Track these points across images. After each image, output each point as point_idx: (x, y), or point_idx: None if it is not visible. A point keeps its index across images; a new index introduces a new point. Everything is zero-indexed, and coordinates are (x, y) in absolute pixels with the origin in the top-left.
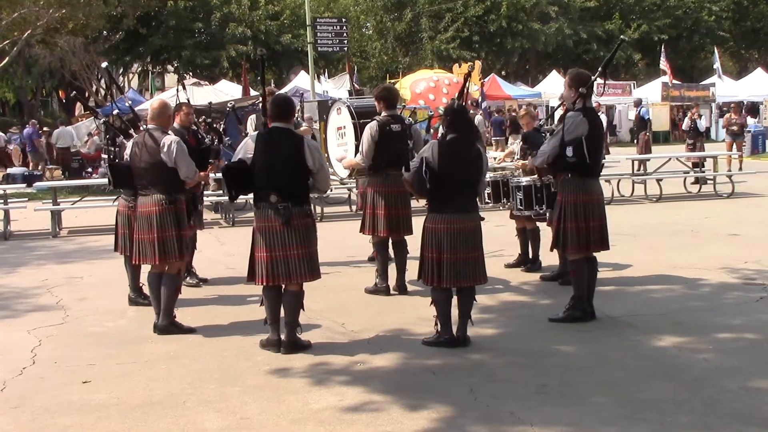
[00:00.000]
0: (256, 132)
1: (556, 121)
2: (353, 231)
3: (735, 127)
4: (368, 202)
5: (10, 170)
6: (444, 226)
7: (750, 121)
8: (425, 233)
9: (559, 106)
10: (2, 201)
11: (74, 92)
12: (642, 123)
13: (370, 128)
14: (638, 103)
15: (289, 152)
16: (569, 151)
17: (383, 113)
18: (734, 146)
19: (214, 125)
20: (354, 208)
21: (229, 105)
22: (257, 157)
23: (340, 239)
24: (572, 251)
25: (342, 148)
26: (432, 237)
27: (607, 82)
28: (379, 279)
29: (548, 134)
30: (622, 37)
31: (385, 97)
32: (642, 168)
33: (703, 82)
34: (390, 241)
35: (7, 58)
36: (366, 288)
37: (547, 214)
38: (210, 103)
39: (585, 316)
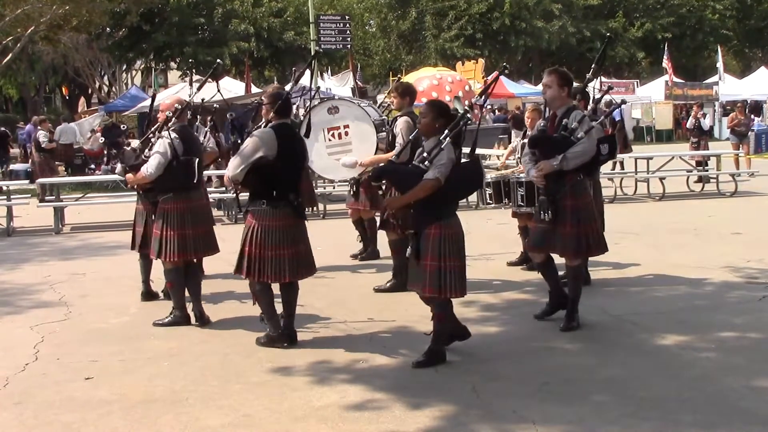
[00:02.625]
0: (266, 128)
1: (573, 121)
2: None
3: (741, 128)
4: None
5: (13, 166)
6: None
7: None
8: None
9: (598, 100)
10: (5, 197)
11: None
12: (613, 125)
13: (408, 123)
14: (609, 104)
15: (302, 149)
16: (604, 149)
17: (404, 108)
18: (740, 147)
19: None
20: None
21: (229, 116)
22: (282, 155)
23: (343, 236)
24: (589, 255)
25: (337, 149)
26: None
27: (597, 79)
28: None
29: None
30: (608, 34)
31: (413, 93)
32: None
33: (706, 81)
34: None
35: (10, 55)
36: (377, 287)
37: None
38: (203, 99)
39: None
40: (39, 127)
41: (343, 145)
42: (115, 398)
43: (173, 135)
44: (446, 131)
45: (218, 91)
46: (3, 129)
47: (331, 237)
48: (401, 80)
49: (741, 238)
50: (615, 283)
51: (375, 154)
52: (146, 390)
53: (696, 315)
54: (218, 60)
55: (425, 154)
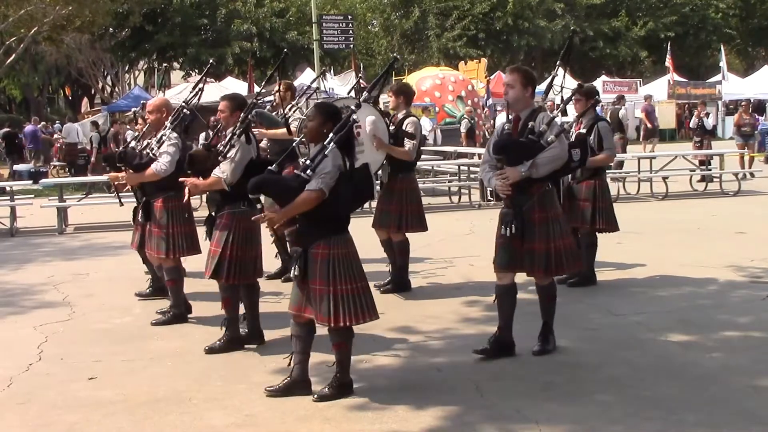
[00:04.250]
0: (240, 133)
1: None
2: (360, 227)
3: (746, 128)
4: (416, 198)
5: (16, 167)
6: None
7: None
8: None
9: (568, 99)
10: (8, 198)
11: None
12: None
13: (416, 124)
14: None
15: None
16: (576, 154)
17: (400, 108)
18: (746, 148)
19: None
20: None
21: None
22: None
23: None
24: (566, 271)
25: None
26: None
27: (565, 76)
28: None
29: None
30: (573, 28)
31: (408, 93)
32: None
33: (709, 80)
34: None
35: (13, 55)
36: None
37: None
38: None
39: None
40: (128, 127)
41: (356, 146)
42: (118, 398)
43: (173, 135)
44: (331, 135)
45: (201, 89)
46: (9, 129)
47: None
48: (399, 80)
49: (745, 238)
50: (619, 283)
51: (382, 154)
52: (150, 390)
53: (700, 314)
54: (211, 61)
55: (308, 162)
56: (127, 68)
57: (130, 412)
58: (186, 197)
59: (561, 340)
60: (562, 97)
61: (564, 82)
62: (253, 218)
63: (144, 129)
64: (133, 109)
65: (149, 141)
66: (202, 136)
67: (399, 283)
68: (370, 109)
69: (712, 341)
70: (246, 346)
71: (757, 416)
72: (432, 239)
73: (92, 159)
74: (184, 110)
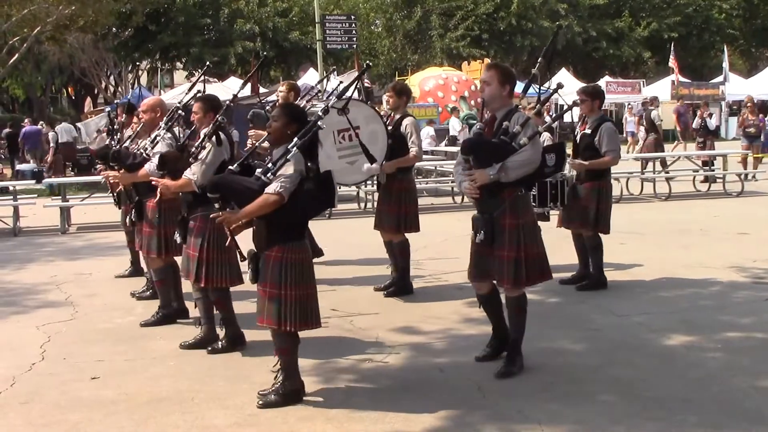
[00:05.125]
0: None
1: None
2: (361, 228)
3: (752, 129)
4: (413, 199)
5: (19, 167)
6: None
7: None
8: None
9: (545, 99)
10: (12, 197)
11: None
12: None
13: (415, 124)
14: (576, 104)
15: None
16: (550, 159)
17: (401, 108)
18: (751, 149)
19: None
20: (363, 205)
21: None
22: (232, 156)
23: (349, 236)
24: (529, 284)
25: (347, 152)
26: None
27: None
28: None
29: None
30: (558, 23)
31: (409, 93)
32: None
33: (712, 81)
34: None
35: (16, 55)
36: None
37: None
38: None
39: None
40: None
41: (353, 147)
42: (121, 398)
43: (167, 135)
44: (295, 139)
45: (200, 90)
46: (11, 129)
47: (336, 237)
48: (402, 80)
49: (747, 238)
50: (621, 284)
51: (381, 154)
52: (152, 390)
53: (702, 315)
54: (207, 63)
55: (270, 165)
56: (130, 68)
57: (132, 411)
58: (157, 198)
59: (563, 340)
60: (539, 96)
61: (549, 80)
62: (210, 216)
63: (138, 128)
64: (107, 109)
65: (144, 141)
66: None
67: (401, 287)
68: (367, 109)
69: (714, 342)
70: (248, 345)
71: (759, 416)
72: (434, 239)
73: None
74: (179, 111)
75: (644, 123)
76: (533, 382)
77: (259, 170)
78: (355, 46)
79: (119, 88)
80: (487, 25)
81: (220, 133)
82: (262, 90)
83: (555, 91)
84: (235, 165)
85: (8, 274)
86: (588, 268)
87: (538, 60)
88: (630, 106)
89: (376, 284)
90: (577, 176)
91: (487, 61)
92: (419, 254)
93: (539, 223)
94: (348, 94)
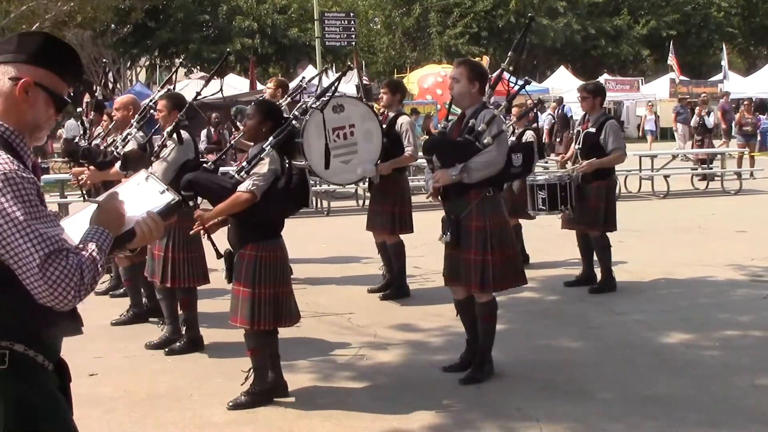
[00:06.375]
0: (173, 131)
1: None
2: (359, 225)
3: (748, 128)
4: (407, 199)
5: None
6: None
7: None
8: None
9: (512, 96)
10: None
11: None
12: (565, 121)
13: (410, 123)
14: (560, 102)
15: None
16: (517, 160)
17: (394, 106)
18: (747, 147)
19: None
20: (361, 202)
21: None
22: (197, 155)
23: (347, 234)
24: (498, 288)
25: (342, 150)
26: None
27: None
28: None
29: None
30: (530, 14)
31: (404, 90)
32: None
33: (711, 79)
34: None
35: None
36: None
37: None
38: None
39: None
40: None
41: (349, 146)
42: (119, 395)
43: (139, 134)
44: (270, 138)
45: (221, 89)
46: None
47: (334, 234)
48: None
49: (745, 237)
50: (620, 282)
51: (376, 153)
52: (150, 387)
53: (700, 313)
54: (228, 50)
55: (245, 164)
56: (128, 64)
57: (130, 408)
58: None
59: (562, 338)
60: (508, 91)
61: (518, 76)
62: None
63: (110, 126)
64: (78, 110)
65: (114, 139)
66: (203, 133)
67: (398, 289)
68: (363, 107)
69: (712, 340)
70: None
71: (758, 414)
72: (432, 236)
73: None
74: (152, 110)
75: (692, 124)
76: (532, 380)
77: (232, 168)
78: (354, 43)
79: (118, 85)
80: (485, 23)
81: (182, 131)
82: (260, 87)
83: (522, 87)
84: (210, 163)
85: None
86: (592, 269)
87: (508, 55)
88: (650, 104)
89: (374, 282)
90: (583, 176)
91: (486, 58)
92: (418, 251)
93: (523, 222)
94: (334, 93)
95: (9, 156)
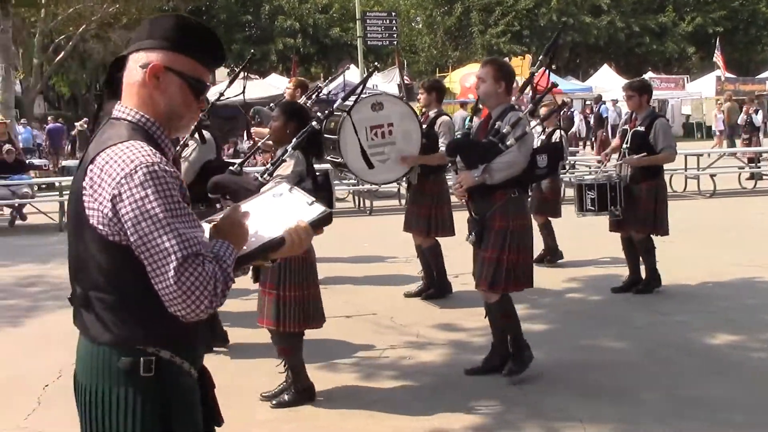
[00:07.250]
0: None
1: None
2: (402, 225)
3: None
4: (446, 200)
5: (64, 162)
6: None
7: None
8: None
9: (539, 99)
10: (58, 193)
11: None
12: (600, 121)
13: (449, 124)
14: (598, 100)
15: None
16: (542, 161)
17: (432, 105)
18: None
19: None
20: (403, 202)
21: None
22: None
23: (390, 233)
24: (507, 290)
25: (379, 149)
26: None
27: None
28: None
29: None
30: (560, 26)
31: (440, 89)
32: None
33: (759, 76)
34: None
35: (62, 53)
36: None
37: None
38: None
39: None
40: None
41: (386, 145)
42: None
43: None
44: (294, 140)
45: (243, 90)
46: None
47: (377, 234)
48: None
49: None
50: (664, 282)
51: (407, 152)
52: None
53: (747, 314)
54: (252, 51)
55: (269, 166)
56: None
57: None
58: None
59: (605, 338)
60: (533, 95)
61: (548, 80)
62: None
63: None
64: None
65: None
66: (245, 134)
67: (440, 288)
68: (403, 107)
69: (758, 341)
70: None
71: None
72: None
73: None
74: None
75: (739, 122)
76: (574, 380)
77: (258, 170)
78: (395, 42)
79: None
80: (527, 21)
81: (204, 131)
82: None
83: (549, 90)
84: (236, 165)
85: (55, 269)
86: (639, 273)
87: (539, 59)
88: (719, 103)
89: (415, 282)
90: (631, 177)
91: (528, 57)
92: (457, 251)
93: (552, 220)
94: (360, 95)
95: (151, 148)
